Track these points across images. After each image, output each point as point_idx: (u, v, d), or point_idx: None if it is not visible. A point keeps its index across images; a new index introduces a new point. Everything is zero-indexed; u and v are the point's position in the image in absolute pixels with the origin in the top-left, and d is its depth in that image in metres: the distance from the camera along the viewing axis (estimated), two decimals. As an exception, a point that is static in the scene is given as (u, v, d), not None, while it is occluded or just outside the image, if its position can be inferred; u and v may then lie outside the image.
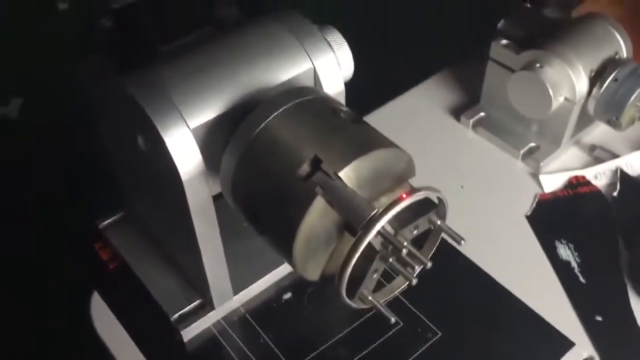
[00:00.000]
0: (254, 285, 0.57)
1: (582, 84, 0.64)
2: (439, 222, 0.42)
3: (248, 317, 0.57)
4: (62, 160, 0.70)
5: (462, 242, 0.41)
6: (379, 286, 0.44)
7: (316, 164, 0.39)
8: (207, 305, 0.56)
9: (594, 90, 0.64)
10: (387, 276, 0.45)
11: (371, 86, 0.77)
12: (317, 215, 0.39)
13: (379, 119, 0.75)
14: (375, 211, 0.37)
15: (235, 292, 0.56)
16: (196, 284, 0.56)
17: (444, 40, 0.91)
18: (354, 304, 0.41)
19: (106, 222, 0.62)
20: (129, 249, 0.60)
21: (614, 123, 0.65)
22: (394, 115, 0.76)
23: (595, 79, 0.64)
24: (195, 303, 0.56)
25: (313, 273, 0.42)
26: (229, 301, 0.56)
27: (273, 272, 0.57)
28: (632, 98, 0.63)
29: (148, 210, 0.58)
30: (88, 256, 0.61)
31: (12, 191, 0.68)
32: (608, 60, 0.65)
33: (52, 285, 0.60)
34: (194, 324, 0.54)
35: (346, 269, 0.38)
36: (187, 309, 0.55)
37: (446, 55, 0.84)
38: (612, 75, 0.63)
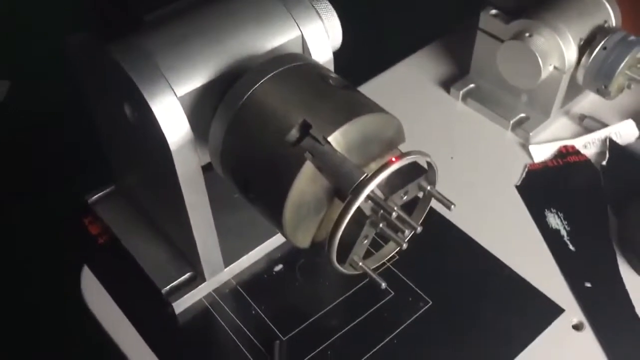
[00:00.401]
0: (245, 257, 0.57)
1: (571, 53, 0.64)
2: (428, 188, 0.41)
3: (239, 289, 0.57)
4: (52, 135, 0.70)
5: (453, 207, 0.41)
6: (369, 254, 0.45)
7: (305, 129, 0.39)
8: (198, 278, 0.55)
9: (583, 59, 0.64)
10: (377, 246, 0.45)
11: (362, 58, 0.77)
12: (307, 180, 0.39)
13: (369, 91, 0.73)
14: (364, 175, 0.37)
15: (227, 264, 0.56)
16: (187, 256, 0.56)
17: (435, 11, 0.90)
18: (345, 270, 0.41)
19: (95, 196, 0.62)
20: (119, 223, 0.60)
21: (603, 92, 0.65)
22: (384, 87, 0.76)
23: (584, 47, 0.64)
24: (186, 275, 0.56)
25: (303, 240, 0.42)
26: (220, 273, 0.56)
27: (264, 244, 0.57)
28: (621, 66, 0.63)
29: (137, 182, 0.58)
30: (78, 231, 0.61)
31: (1, 168, 0.68)
32: (597, 29, 0.65)
33: (43, 260, 0.59)
34: (185, 296, 0.54)
35: (336, 234, 0.38)
36: (177, 281, 0.55)
37: (437, 27, 0.83)
38: (601, 44, 0.63)
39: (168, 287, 0.55)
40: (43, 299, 0.56)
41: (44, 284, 0.58)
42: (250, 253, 0.57)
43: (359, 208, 0.38)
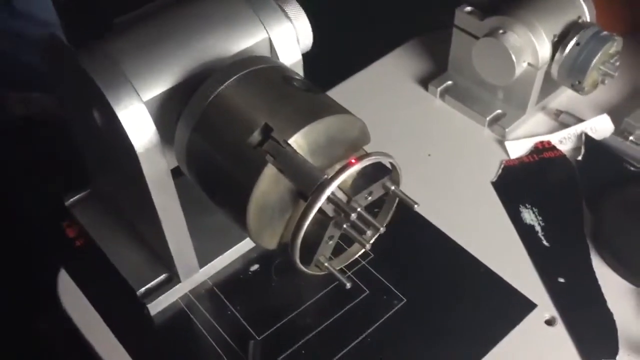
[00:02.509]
0: (220, 257, 0.57)
1: (544, 49, 0.64)
2: (392, 188, 0.42)
3: (216, 289, 0.57)
4: (30, 137, 0.70)
5: (416, 206, 0.41)
6: (339, 252, 0.45)
7: (266, 132, 0.39)
8: (173, 279, 0.56)
9: (557, 54, 0.64)
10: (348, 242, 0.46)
11: (338, 58, 0.77)
12: (269, 183, 0.39)
13: (347, 90, 0.75)
14: (324, 177, 0.37)
15: (201, 265, 0.56)
16: (162, 258, 0.56)
17: (412, 9, 0.90)
18: (309, 271, 0.41)
19: (73, 199, 0.62)
20: (95, 226, 0.60)
21: (577, 87, 0.65)
22: (362, 86, 0.76)
23: (558, 43, 0.65)
24: (162, 277, 0.56)
25: (270, 241, 0.42)
26: (195, 274, 0.56)
27: (239, 244, 0.58)
28: (594, 61, 0.63)
29: (112, 185, 0.58)
30: (55, 234, 0.61)
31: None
32: (571, 24, 0.65)
33: (20, 263, 0.59)
34: (160, 298, 0.55)
35: (298, 235, 0.38)
36: (153, 282, 0.56)
37: (414, 25, 0.83)
38: (574, 39, 0.64)
39: (143, 288, 0.55)
40: (19, 301, 0.57)
41: (21, 287, 0.58)
42: (226, 254, 0.57)
43: (322, 209, 0.38)
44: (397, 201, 0.44)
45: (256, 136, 0.39)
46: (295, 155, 0.38)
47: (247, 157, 0.39)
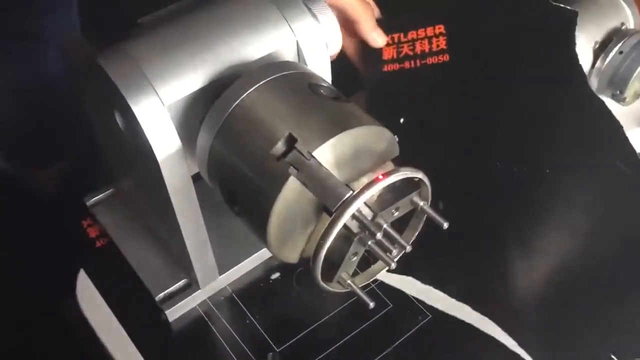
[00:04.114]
0: (240, 265, 0.56)
1: (585, 57, 0.61)
2: (421, 204, 0.40)
3: (235, 297, 0.55)
4: (55, 134, 0.69)
5: (445, 225, 0.39)
6: (363, 268, 0.43)
7: (290, 142, 0.37)
8: (192, 285, 0.55)
9: (598, 63, 0.61)
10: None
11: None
12: (292, 196, 0.37)
13: None
14: (350, 193, 0.35)
15: (221, 272, 0.55)
16: (181, 264, 0.55)
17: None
18: (331, 288, 0.40)
19: (94, 199, 0.61)
20: (116, 227, 0.59)
21: (618, 97, 0.62)
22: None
23: (600, 51, 0.62)
24: (181, 283, 0.55)
25: (291, 255, 0.41)
26: (215, 281, 0.55)
27: (260, 251, 0.56)
28: (638, 71, 0.60)
29: (133, 187, 0.57)
30: (76, 233, 0.60)
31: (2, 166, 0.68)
32: (613, 31, 0.62)
33: (39, 263, 0.59)
34: (179, 304, 0.53)
35: (320, 252, 0.36)
36: (171, 288, 0.54)
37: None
38: (617, 47, 0.61)
39: (162, 294, 0.54)
40: (38, 301, 0.56)
41: (40, 286, 0.57)
42: (246, 261, 0.56)
43: (345, 225, 0.37)
44: (425, 218, 0.41)
45: (279, 147, 0.37)
46: (320, 168, 0.36)
47: (270, 169, 0.37)
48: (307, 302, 0.55)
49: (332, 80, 0.48)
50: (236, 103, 0.40)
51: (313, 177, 0.36)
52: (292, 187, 0.37)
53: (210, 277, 0.54)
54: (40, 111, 0.68)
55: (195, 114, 0.43)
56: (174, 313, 0.54)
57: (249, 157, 0.39)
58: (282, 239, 0.39)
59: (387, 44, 0.63)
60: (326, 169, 0.36)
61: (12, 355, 0.54)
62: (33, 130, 0.67)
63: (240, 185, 0.40)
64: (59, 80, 0.66)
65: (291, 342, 0.52)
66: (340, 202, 0.35)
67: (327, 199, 0.36)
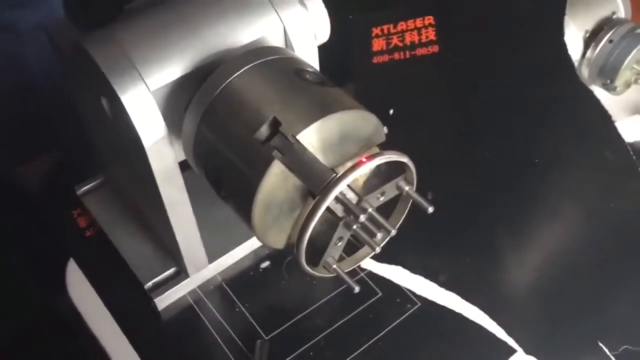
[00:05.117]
0: (230, 253, 0.56)
1: (576, 46, 0.61)
2: (406, 189, 0.40)
3: (225, 286, 0.55)
4: (38, 128, 0.69)
5: (430, 209, 0.39)
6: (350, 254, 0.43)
7: (275, 126, 0.37)
8: (182, 274, 0.55)
9: (588, 52, 0.62)
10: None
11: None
12: (277, 180, 0.37)
13: None
14: (333, 176, 0.35)
15: (211, 261, 0.55)
16: (171, 252, 0.55)
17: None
18: (317, 273, 0.40)
19: (84, 188, 0.61)
20: (106, 216, 0.59)
21: (608, 86, 0.62)
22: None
23: (590, 40, 0.62)
24: (170, 271, 0.55)
25: (277, 241, 0.41)
26: (204, 270, 0.55)
27: (250, 240, 0.56)
28: (628, 60, 0.60)
29: (122, 175, 0.57)
30: (66, 222, 0.60)
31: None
32: (604, 20, 0.63)
33: (28, 251, 0.59)
34: (168, 292, 0.53)
35: (304, 236, 0.36)
36: (161, 276, 0.54)
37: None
38: (607, 36, 0.61)
39: (151, 282, 0.54)
40: (27, 290, 0.56)
41: (29, 275, 0.57)
42: (236, 249, 0.56)
43: (329, 209, 0.37)
44: (410, 203, 0.41)
45: (264, 131, 0.37)
46: (304, 152, 0.36)
47: (254, 153, 0.37)
48: (296, 290, 0.55)
49: (321, 72, 0.48)
50: (221, 87, 0.40)
51: (297, 161, 0.36)
52: (276, 172, 0.37)
53: (200, 266, 0.54)
54: (21, 106, 0.68)
55: (181, 99, 0.43)
56: (163, 301, 0.54)
57: (234, 141, 0.39)
58: (268, 224, 0.39)
59: (377, 35, 0.64)
60: (310, 152, 0.36)
61: (1, 344, 0.54)
62: (14, 125, 0.67)
63: (225, 169, 0.40)
64: (39, 75, 0.66)
65: (280, 329, 0.52)
66: (323, 185, 0.35)
67: (311, 183, 0.36)
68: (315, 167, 0.36)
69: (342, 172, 0.35)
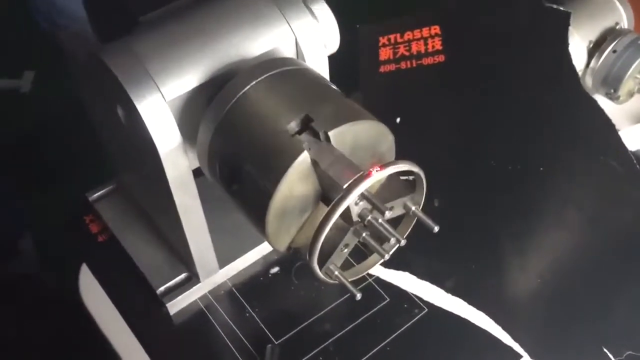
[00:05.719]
0: (240, 259, 0.57)
1: (579, 56, 0.62)
2: (413, 209, 0.41)
3: (235, 291, 0.56)
4: (63, 131, 0.70)
5: (436, 228, 0.40)
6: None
7: (306, 122, 0.38)
8: (193, 279, 0.56)
9: (592, 61, 0.63)
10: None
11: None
12: (299, 174, 0.38)
13: None
14: (361, 172, 0.36)
15: (221, 266, 0.56)
16: (182, 257, 0.56)
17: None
18: (321, 275, 0.40)
19: (97, 194, 0.62)
20: (118, 222, 0.60)
21: (612, 96, 0.63)
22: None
23: (594, 50, 0.63)
24: (182, 276, 0.56)
25: (282, 241, 0.41)
26: (215, 275, 0.56)
27: (260, 246, 0.57)
28: (631, 70, 0.61)
29: (135, 182, 0.58)
30: (79, 228, 0.61)
31: (14, 162, 0.68)
32: (608, 31, 0.64)
33: (42, 257, 0.60)
34: (179, 297, 0.54)
35: (322, 232, 0.36)
36: (172, 282, 0.55)
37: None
38: (610, 46, 0.62)
39: (163, 287, 0.55)
40: (41, 295, 0.57)
41: (43, 280, 0.58)
42: (246, 255, 0.57)
43: (347, 209, 0.37)
44: (416, 219, 0.42)
45: (294, 125, 0.39)
46: (334, 148, 0.37)
47: (282, 144, 0.38)
48: (305, 296, 0.56)
49: (329, 80, 0.49)
50: (238, 95, 0.41)
51: (325, 156, 0.37)
52: (301, 164, 0.38)
53: (211, 271, 0.55)
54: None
55: (195, 109, 0.44)
56: (175, 306, 0.55)
57: (261, 133, 0.40)
58: (280, 221, 0.40)
59: (384, 45, 0.65)
60: (339, 150, 0.38)
61: (14, 347, 0.55)
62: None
63: (245, 160, 0.40)
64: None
65: (290, 334, 0.53)
66: (352, 179, 0.36)
67: (339, 177, 0.37)
68: (345, 162, 0.37)
69: (369, 170, 0.36)
